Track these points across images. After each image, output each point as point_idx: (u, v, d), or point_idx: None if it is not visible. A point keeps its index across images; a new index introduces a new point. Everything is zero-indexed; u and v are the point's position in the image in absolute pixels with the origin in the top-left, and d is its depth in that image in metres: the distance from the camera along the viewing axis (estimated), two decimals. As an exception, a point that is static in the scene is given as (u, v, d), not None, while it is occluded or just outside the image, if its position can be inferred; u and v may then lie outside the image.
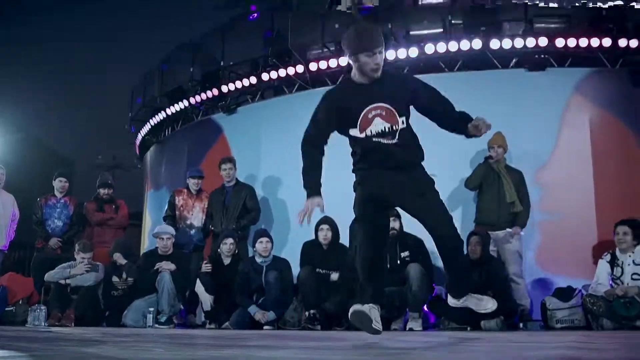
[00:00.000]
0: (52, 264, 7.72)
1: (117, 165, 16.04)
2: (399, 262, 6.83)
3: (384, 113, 3.60)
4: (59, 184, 8.64)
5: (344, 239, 7.20)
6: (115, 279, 7.56)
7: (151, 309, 7.24)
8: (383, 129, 3.60)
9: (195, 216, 8.46)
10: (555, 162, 8.04)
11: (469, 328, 6.64)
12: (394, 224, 6.70)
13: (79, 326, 6.81)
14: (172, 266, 7.47)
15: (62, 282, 7.39)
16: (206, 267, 7.52)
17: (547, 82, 8.29)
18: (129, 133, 12.76)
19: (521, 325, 6.96)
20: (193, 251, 8.28)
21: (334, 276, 7.02)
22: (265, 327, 6.93)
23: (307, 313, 6.91)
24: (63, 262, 7.70)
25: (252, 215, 8.27)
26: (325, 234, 7.09)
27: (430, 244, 7.01)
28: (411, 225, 6.96)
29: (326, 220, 7.06)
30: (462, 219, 7.82)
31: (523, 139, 7.97)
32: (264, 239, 7.23)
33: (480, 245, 6.88)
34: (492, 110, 8.11)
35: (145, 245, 11.09)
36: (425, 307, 6.93)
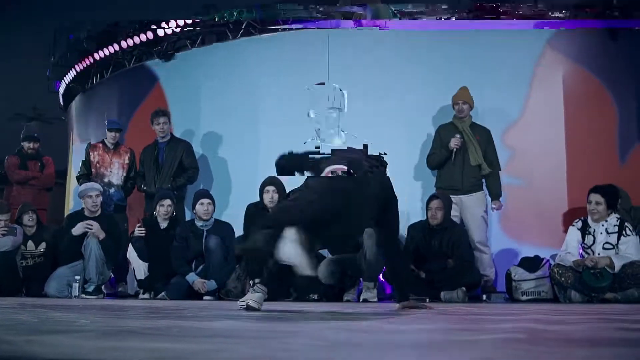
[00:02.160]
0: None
1: (38, 117, 15.64)
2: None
3: None
4: None
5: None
6: (28, 246, 7.44)
7: (77, 278, 7.16)
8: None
9: (115, 173, 8.34)
10: (524, 122, 8.15)
11: (427, 300, 6.73)
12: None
13: (-6, 296, 6.69)
14: (102, 233, 7.36)
15: (-25, 248, 7.24)
16: (139, 231, 7.44)
17: (518, 37, 8.38)
18: (50, 80, 12.44)
19: (484, 297, 7.11)
20: (114, 213, 8.16)
21: (282, 243, 7.02)
22: (205, 298, 6.93)
23: (251, 282, 6.92)
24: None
25: (189, 174, 8.20)
26: (271, 196, 7.08)
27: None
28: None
29: (272, 181, 7.04)
30: (424, 185, 7.91)
31: (490, 96, 8.05)
32: (205, 201, 7.19)
33: (441, 209, 6.95)
34: (457, 66, 8.26)
35: (70, 207, 10.91)
36: (380, 277, 7.01)
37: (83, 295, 7.13)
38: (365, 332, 2.50)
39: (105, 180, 8.27)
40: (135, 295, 7.61)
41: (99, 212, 7.56)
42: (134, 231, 7.53)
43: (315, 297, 6.63)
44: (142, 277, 7.39)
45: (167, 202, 7.43)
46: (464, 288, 6.75)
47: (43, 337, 2.01)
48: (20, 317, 3.14)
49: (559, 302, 6.57)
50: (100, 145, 8.45)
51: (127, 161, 8.36)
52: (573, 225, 6.78)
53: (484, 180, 7.43)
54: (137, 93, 10.06)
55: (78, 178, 8.42)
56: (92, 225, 7.33)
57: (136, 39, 9.92)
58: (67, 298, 7.01)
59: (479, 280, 7.10)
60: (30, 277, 7.40)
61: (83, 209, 7.63)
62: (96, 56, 10.57)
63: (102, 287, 7.51)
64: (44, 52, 12.46)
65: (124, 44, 10.12)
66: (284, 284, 6.92)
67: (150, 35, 9.75)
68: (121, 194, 8.35)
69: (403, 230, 7.32)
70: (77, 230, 7.33)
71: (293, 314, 3.81)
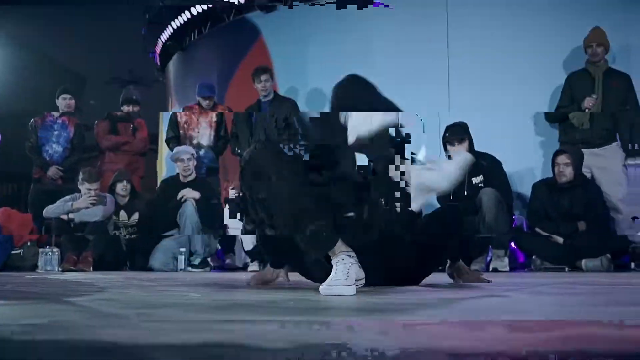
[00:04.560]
0: (53, 197, 7.74)
1: (135, 80, 16.07)
2: (468, 190, 6.73)
3: None
4: (62, 102, 8.64)
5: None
6: (120, 216, 7.69)
7: (182, 250, 7.39)
8: None
9: (203, 133, 8.50)
10: None
11: (567, 269, 6.61)
12: (460, 146, 6.60)
13: (98, 270, 7.00)
14: (196, 194, 7.55)
15: (64, 217, 7.48)
16: (234, 193, 7.56)
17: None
18: (146, 39, 12.76)
19: (633, 265, 6.89)
20: (206, 176, 8.32)
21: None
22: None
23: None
24: (65, 194, 7.73)
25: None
26: None
27: (508, 167, 7.01)
28: (486, 143, 6.91)
29: None
30: (545, 142, 7.68)
31: (630, 30, 7.69)
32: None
33: (569, 165, 6.72)
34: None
35: (163, 174, 11.17)
36: (512, 244, 6.91)
37: (189, 269, 7.37)
38: (494, 308, 2.49)
39: (194, 142, 8.43)
40: (244, 268, 7.75)
41: (194, 175, 7.74)
42: (228, 196, 7.62)
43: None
44: (250, 248, 7.47)
45: None
46: (609, 255, 6.57)
47: (155, 311, 2.12)
48: (130, 291, 3.29)
49: None
50: (197, 106, 8.66)
51: (214, 119, 8.51)
52: None
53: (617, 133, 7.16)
54: (238, 49, 10.21)
55: (167, 142, 8.63)
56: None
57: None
58: (172, 271, 7.25)
59: (627, 246, 6.88)
60: (134, 250, 7.62)
61: (178, 174, 7.82)
62: (193, 11, 10.76)
63: (209, 259, 7.70)
64: (138, 10, 12.78)
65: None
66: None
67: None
68: (212, 155, 8.51)
69: (527, 189, 7.18)
70: (80, 203, 7.41)
71: (423, 288, 3.82)
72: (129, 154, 8.64)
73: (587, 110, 7.03)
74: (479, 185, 6.68)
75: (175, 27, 11.45)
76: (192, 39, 11.44)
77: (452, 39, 8.39)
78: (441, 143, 6.69)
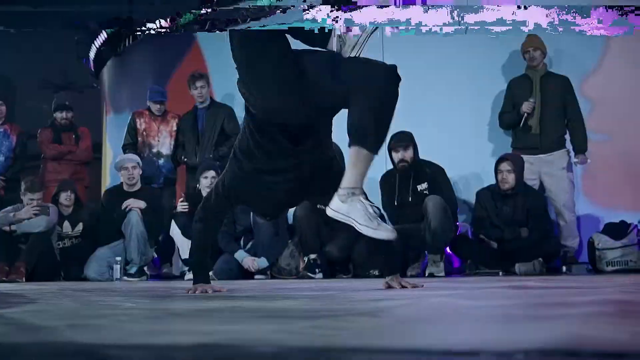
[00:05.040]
0: (-6, 208, 7.68)
1: (68, 85, 15.81)
2: (413, 197, 6.86)
3: None
4: None
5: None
6: (63, 227, 7.58)
7: (118, 259, 7.31)
8: None
9: (162, 142, 8.44)
10: (605, 69, 7.94)
11: (501, 273, 6.72)
12: (405, 153, 6.77)
13: (31, 281, 6.87)
14: (142, 203, 7.50)
15: (7, 228, 7.38)
16: (182, 206, 7.53)
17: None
18: (79, 45, 12.56)
19: (564, 268, 7.04)
20: (164, 186, 8.30)
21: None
22: (256, 277, 7.01)
23: (305, 259, 6.98)
24: (7, 205, 7.69)
25: (232, 141, 8.23)
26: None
27: (452, 172, 7.13)
28: (430, 152, 7.02)
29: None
30: (497, 147, 7.79)
31: (564, 40, 7.86)
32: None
33: (512, 172, 6.87)
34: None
35: (107, 183, 11.10)
36: (447, 249, 7.00)
37: (125, 278, 7.28)
38: (435, 308, 2.50)
39: (154, 150, 8.38)
40: (181, 276, 7.70)
41: (138, 185, 7.68)
42: (176, 207, 7.63)
43: (376, 272, 6.65)
44: (187, 256, 7.47)
45: (211, 173, 7.45)
46: (541, 259, 6.71)
47: (87, 322, 2.07)
48: (61, 302, 3.22)
49: (649, 272, 6.47)
50: (147, 112, 8.55)
51: (174, 128, 8.43)
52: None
53: (566, 137, 7.31)
54: (173, 55, 10.13)
55: (124, 148, 8.53)
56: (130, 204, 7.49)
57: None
58: (108, 281, 7.16)
59: (558, 250, 7.02)
60: (68, 260, 7.53)
61: (121, 183, 7.76)
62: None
63: (145, 268, 7.63)
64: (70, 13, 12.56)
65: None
66: (342, 259, 7.00)
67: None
68: (171, 165, 8.45)
69: (471, 196, 7.30)
70: (23, 214, 7.29)
71: (353, 292, 3.83)
72: (73, 163, 8.55)
73: (525, 115, 7.17)
74: (424, 192, 6.80)
75: (108, 32, 11.29)
76: (127, 44, 11.29)
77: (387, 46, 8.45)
78: (386, 149, 6.75)
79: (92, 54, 12.41)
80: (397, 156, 6.83)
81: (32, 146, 8.95)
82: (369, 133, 3.02)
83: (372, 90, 3.00)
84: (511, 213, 6.87)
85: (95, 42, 11.87)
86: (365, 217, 2.99)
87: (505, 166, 6.89)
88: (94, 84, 13.73)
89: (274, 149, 3.48)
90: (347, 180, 3.05)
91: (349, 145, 3.06)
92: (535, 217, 6.86)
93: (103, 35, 11.47)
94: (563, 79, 7.37)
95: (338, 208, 3.05)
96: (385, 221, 3.32)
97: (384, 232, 3.02)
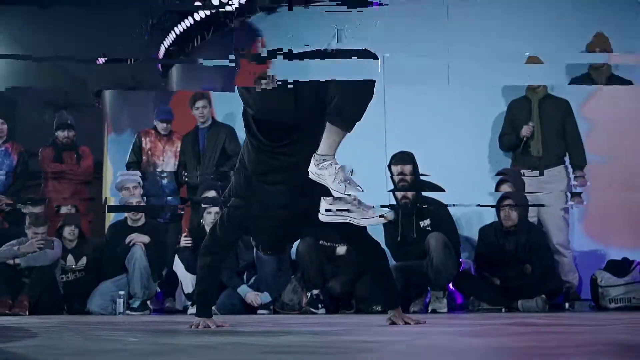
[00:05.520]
0: (-2, 241, 7.69)
1: (69, 104, 15.81)
2: (416, 233, 6.86)
3: None
4: None
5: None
6: (67, 261, 7.56)
7: (121, 293, 7.28)
8: None
9: (167, 162, 8.42)
10: (606, 90, 7.75)
11: (503, 309, 6.69)
12: (404, 167, 6.80)
13: (35, 314, 6.86)
14: (145, 238, 7.50)
15: (10, 262, 7.37)
16: (186, 241, 7.52)
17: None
18: (150, 43, 12.51)
19: (567, 305, 6.99)
20: (170, 222, 8.30)
21: (341, 250, 7.06)
22: (259, 312, 6.98)
23: (308, 294, 6.96)
24: (11, 238, 7.68)
25: (234, 161, 8.22)
26: None
27: (454, 210, 7.11)
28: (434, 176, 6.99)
29: None
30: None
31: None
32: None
33: (515, 210, 6.87)
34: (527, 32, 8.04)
35: (109, 202, 10.87)
36: (450, 285, 6.98)
37: (128, 312, 7.25)
38: (437, 345, 2.50)
39: (158, 169, 8.38)
40: (184, 311, 7.68)
41: (142, 220, 7.68)
42: (179, 242, 7.62)
43: (379, 308, 6.62)
44: (191, 291, 7.45)
45: (212, 193, 7.30)
46: (543, 296, 6.67)
47: (90, 357, 2.07)
48: (64, 336, 3.22)
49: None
50: (152, 131, 8.55)
51: (179, 149, 8.44)
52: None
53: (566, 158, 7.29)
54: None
55: (128, 165, 8.52)
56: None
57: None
58: (111, 315, 7.13)
59: (561, 287, 6.98)
60: (72, 294, 7.48)
61: (126, 218, 7.76)
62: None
63: (148, 302, 7.61)
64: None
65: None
66: (344, 295, 6.99)
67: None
68: (174, 185, 8.42)
69: (474, 233, 7.29)
70: (27, 248, 7.20)
71: (356, 327, 3.83)
72: (73, 182, 8.56)
73: (524, 138, 7.19)
74: (427, 228, 6.80)
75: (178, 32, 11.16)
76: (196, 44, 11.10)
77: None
78: (386, 168, 6.80)
79: (160, 54, 12.29)
80: (396, 169, 6.80)
81: (33, 164, 8.94)
82: (343, 113, 3.38)
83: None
84: (514, 250, 6.86)
85: (164, 42, 11.72)
86: (336, 181, 3.38)
87: (508, 203, 6.88)
88: (96, 103, 13.74)
89: (270, 148, 3.74)
90: (321, 148, 3.44)
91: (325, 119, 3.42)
92: (537, 254, 6.84)
93: (172, 35, 11.31)
94: (562, 102, 7.37)
95: (313, 170, 3.46)
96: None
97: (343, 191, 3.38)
